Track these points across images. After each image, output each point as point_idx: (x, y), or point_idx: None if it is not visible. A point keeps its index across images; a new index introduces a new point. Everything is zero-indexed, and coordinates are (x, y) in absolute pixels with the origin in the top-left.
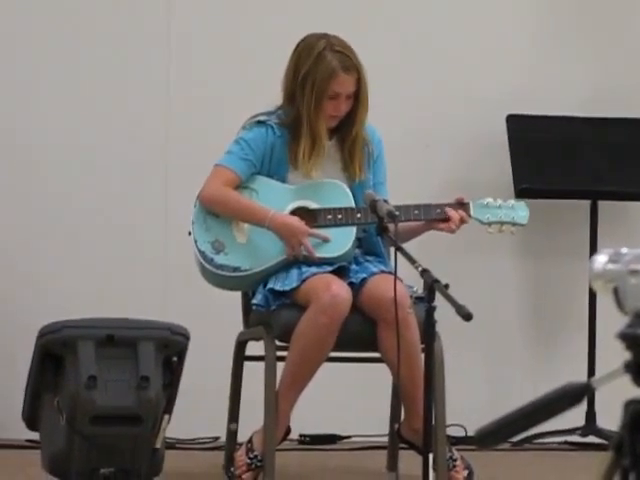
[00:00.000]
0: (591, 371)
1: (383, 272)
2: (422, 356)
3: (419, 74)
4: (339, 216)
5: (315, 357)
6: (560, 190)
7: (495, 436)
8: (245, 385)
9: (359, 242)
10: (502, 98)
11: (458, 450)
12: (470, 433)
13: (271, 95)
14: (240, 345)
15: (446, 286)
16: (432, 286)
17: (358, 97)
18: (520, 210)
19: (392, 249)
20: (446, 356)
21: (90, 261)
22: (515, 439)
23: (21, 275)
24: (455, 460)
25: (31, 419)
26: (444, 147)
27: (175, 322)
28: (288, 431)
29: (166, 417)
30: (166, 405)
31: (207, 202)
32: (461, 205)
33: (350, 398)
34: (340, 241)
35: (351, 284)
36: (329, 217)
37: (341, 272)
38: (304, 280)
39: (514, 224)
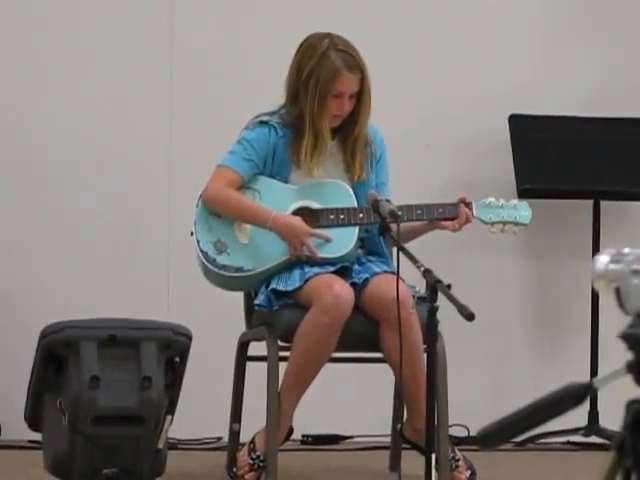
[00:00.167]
0: (593, 371)
1: (385, 272)
2: (424, 356)
3: (420, 74)
4: (341, 216)
5: (317, 357)
6: (562, 190)
7: (497, 436)
8: (247, 385)
9: (361, 242)
10: (504, 98)
11: (461, 450)
12: (473, 433)
13: (274, 95)
14: (242, 345)
15: (448, 286)
16: (434, 286)
17: (361, 97)
18: (522, 210)
19: (394, 249)
20: (448, 356)
21: (92, 261)
22: (518, 439)
23: (23, 275)
24: (458, 460)
25: (33, 419)
26: (446, 147)
27: (177, 322)
28: (290, 431)
29: (168, 417)
30: (168, 405)
31: (209, 202)
32: (465, 205)
33: (352, 398)
34: (342, 241)
35: (353, 284)
36: (331, 217)
37: (343, 272)
38: (306, 280)
39: (516, 224)
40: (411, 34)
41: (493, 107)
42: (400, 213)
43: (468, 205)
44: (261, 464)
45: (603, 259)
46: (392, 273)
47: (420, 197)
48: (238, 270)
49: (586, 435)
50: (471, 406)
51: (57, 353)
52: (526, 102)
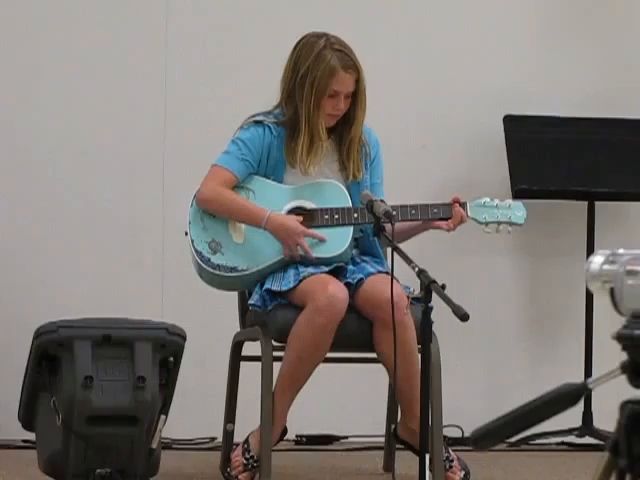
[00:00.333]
0: (588, 372)
1: (380, 272)
2: (419, 357)
3: (416, 75)
4: (336, 216)
5: (312, 357)
6: (557, 190)
7: (491, 437)
8: (242, 385)
9: (356, 242)
10: (499, 99)
11: (455, 451)
12: (467, 434)
13: (269, 94)
14: (237, 345)
15: (443, 287)
16: (429, 287)
17: (356, 97)
18: (517, 210)
19: (389, 249)
20: (443, 357)
21: (87, 261)
22: (512, 440)
23: (18, 275)
24: (452, 461)
25: (27, 419)
26: (441, 148)
27: (172, 322)
28: (285, 431)
29: (162, 417)
30: (162, 405)
31: (204, 202)
32: (458, 205)
33: (347, 398)
34: (337, 241)
35: (348, 284)
36: (326, 217)
37: (338, 272)
38: (301, 280)
39: (511, 224)
40: (407, 35)
41: (488, 108)
42: (395, 213)
43: (462, 205)
44: (255, 464)
45: (598, 260)
46: (386, 273)
47: (415, 197)
48: (232, 270)
49: (580, 436)
50: (465, 407)
51: (51, 353)
52: (521, 103)
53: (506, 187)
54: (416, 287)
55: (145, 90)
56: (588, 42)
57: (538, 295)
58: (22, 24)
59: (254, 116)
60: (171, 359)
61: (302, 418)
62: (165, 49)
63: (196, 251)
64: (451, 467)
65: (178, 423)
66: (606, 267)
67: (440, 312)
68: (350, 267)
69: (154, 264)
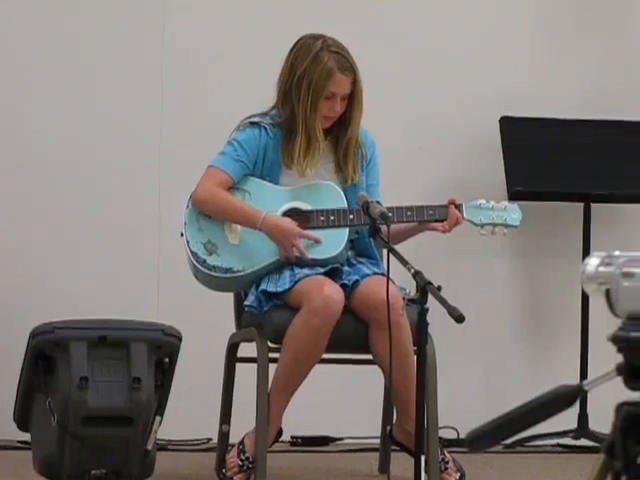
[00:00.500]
0: (583, 373)
1: (376, 274)
2: (414, 358)
3: (412, 76)
4: (332, 217)
5: (307, 359)
6: (553, 192)
7: (486, 439)
8: (237, 387)
9: (351, 244)
10: (495, 100)
11: (450, 452)
12: (462, 435)
13: (265, 96)
14: (232, 346)
15: (439, 288)
16: (424, 288)
17: (353, 99)
18: (512, 212)
19: (384, 251)
20: (438, 358)
21: (82, 262)
22: (507, 442)
23: (14, 276)
24: (447, 462)
25: (22, 420)
26: (437, 149)
27: (167, 323)
28: (280, 433)
29: (158, 418)
30: (158, 406)
31: (199, 203)
32: (454, 207)
33: (342, 400)
34: (332, 242)
35: (343, 286)
36: (322, 218)
37: (333, 274)
38: (296, 281)
39: (507, 226)
40: (403, 37)
41: (484, 109)
42: (390, 215)
43: (458, 207)
44: (250, 465)
45: (593, 261)
46: (382, 275)
47: (411, 199)
48: (228, 271)
49: (576, 438)
50: (461, 408)
51: (47, 354)
52: (517, 104)
53: (502, 189)
54: (412, 288)
55: (142, 91)
56: (585, 44)
57: (534, 297)
58: (22, 24)
59: (250, 117)
60: (166, 360)
61: (297, 419)
62: (162, 50)
63: (192, 252)
64: (446, 469)
65: (173, 424)
66: (602, 269)
67: (436, 313)
68: (346, 268)
69: (150, 265)
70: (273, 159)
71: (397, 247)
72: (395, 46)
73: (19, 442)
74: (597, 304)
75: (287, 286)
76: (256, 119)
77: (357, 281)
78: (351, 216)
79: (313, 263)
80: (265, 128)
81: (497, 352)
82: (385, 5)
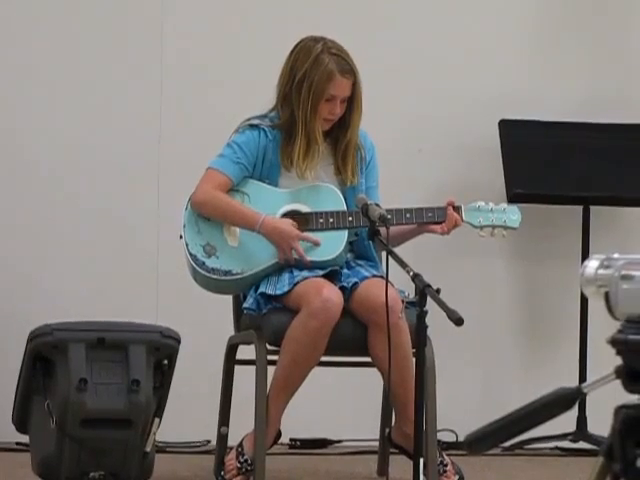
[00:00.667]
0: (582, 376)
1: (375, 276)
2: (413, 361)
3: (412, 79)
4: (331, 220)
5: (306, 361)
6: (552, 195)
7: (485, 442)
8: (236, 389)
9: (351, 246)
10: (494, 103)
11: (449, 455)
12: (461, 438)
13: (265, 96)
14: (231, 349)
15: (437, 291)
16: (423, 291)
17: (353, 102)
18: (512, 214)
19: (384, 253)
20: (437, 361)
21: (81, 263)
22: (506, 444)
23: (13, 277)
24: (446, 465)
25: (21, 422)
26: (437, 152)
27: (166, 325)
28: (279, 435)
29: (156, 420)
30: (156, 408)
31: (198, 205)
32: (453, 209)
33: (341, 402)
34: (331, 245)
35: (342, 288)
36: (321, 221)
37: (332, 276)
38: (295, 284)
39: (506, 228)
40: (403, 39)
41: (483, 112)
42: (389, 217)
43: (457, 209)
44: (249, 468)
45: (593, 264)
46: (381, 277)
47: (411, 201)
48: (227, 273)
49: (574, 441)
50: (459, 411)
51: (45, 355)
52: (516, 107)
53: (501, 191)
54: (411, 291)
55: (141, 92)
56: (584, 47)
57: (533, 299)
58: (22, 24)
59: (249, 119)
60: (165, 362)
61: (296, 422)
62: (161, 50)
63: (191, 254)
64: (445, 471)
65: (172, 426)
66: (601, 271)
67: (435, 316)
68: (345, 271)
69: (149, 267)
70: (272, 161)
71: (396, 249)
72: (394, 49)
73: (17, 444)
74: (596, 307)
75: (286, 289)
76: (255, 121)
77: (356, 284)
78: (350, 218)
79: (312, 265)
80: (264, 130)
81: (496, 355)
82: (385, 8)
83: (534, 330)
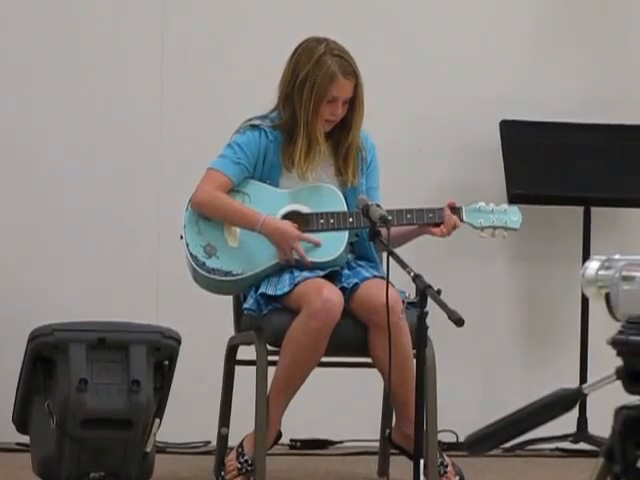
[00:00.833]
0: (583, 377)
1: (375, 277)
2: (414, 361)
3: (412, 79)
4: (331, 220)
5: (306, 362)
6: (553, 196)
7: (485, 443)
8: (236, 389)
9: (351, 247)
10: (495, 104)
11: (449, 456)
12: (461, 439)
13: (266, 97)
14: (231, 349)
15: (438, 292)
16: (424, 291)
17: (354, 103)
18: (512, 215)
19: (384, 254)
20: (438, 361)
21: (82, 264)
22: (506, 445)
23: (13, 277)
24: (446, 466)
25: (21, 422)
26: (437, 152)
27: (167, 326)
28: (279, 436)
29: (157, 421)
30: (157, 409)
31: (199, 206)
32: (453, 210)
33: (341, 403)
34: (332, 245)
35: (343, 289)
36: (321, 221)
37: (333, 277)
38: (296, 285)
39: (507, 229)
40: (403, 40)
41: (484, 113)
42: (390, 218)
43: (458, 210)
44: (249, 468)
45: (593, 265)
46: (382, 278)
47: (411, 202)
48: (227, 274)
49: (575, 442)
50: (460, 412)
51: (46, 356)
52: (517, 108)
53: (502, 192)
54: (411, 292)
55: (142, 92)
56: (584, 48)
57: (534, 300)
58: (22, 24)
59: (250, 120)
60: (166, 362)
61: (296, 422)
62: (162, 50)
63: (191, 255)
64: (445, 472)
65: (172, 427)
66: (602, 272)
67: (435, 317)
68: (345, 271)
69: (149, 267)
70: (273, 162)
71: (397, 250)
72: (395, 50)
73: (18, 444)
74: (597, 307)
75: (286, 289)
76: (256, 122)
77: (357, 284)
78: (351, 219)
79: (313, 266)
80: (265, 131)
81: (497, 356)
82: (385, 8)
83: (535, 331)
